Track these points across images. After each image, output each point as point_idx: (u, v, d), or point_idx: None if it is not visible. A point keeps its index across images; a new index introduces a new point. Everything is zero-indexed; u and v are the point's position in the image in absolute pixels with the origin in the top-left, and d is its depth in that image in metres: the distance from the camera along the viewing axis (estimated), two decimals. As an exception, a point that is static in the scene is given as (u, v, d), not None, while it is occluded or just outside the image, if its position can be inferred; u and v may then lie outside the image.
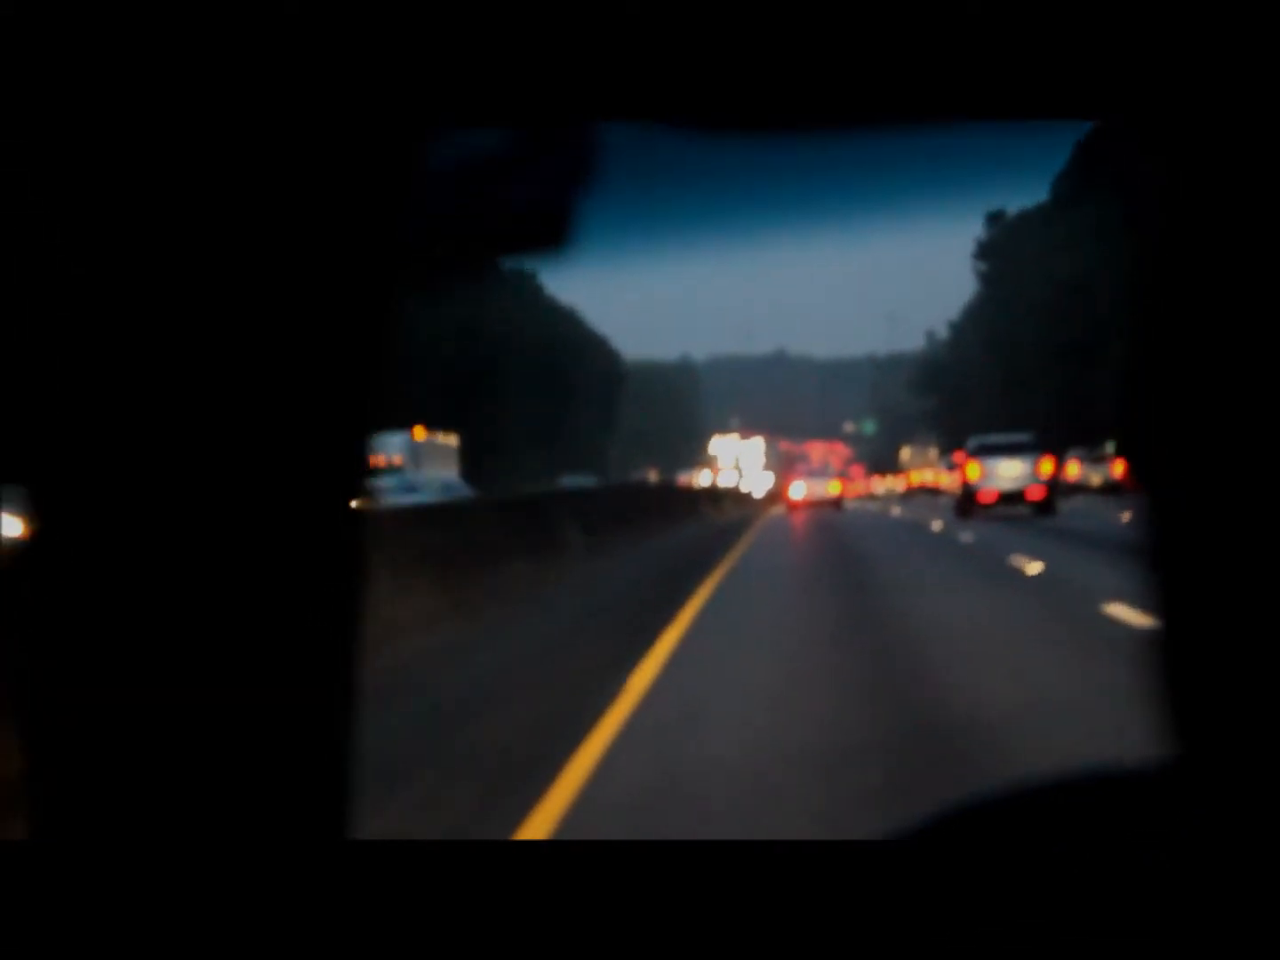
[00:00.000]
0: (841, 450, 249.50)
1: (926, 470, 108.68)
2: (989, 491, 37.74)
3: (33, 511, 0.77)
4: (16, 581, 0.78)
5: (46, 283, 0.75)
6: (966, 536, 27.05)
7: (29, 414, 0.75)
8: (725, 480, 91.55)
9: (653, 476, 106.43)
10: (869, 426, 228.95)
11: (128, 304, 0.75)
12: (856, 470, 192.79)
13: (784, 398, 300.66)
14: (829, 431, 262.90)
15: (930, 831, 0.81)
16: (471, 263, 0.90)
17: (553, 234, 0.86)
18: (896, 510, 58.74)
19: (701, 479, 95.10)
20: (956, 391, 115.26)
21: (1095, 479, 58.42)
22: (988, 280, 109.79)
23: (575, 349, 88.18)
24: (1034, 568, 18.07)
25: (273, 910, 0.73)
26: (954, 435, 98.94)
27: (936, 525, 34.04)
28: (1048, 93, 0.74)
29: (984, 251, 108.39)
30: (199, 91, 0.73)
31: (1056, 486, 38.12)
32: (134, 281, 0.75)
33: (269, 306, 0.77)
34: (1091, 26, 0.70)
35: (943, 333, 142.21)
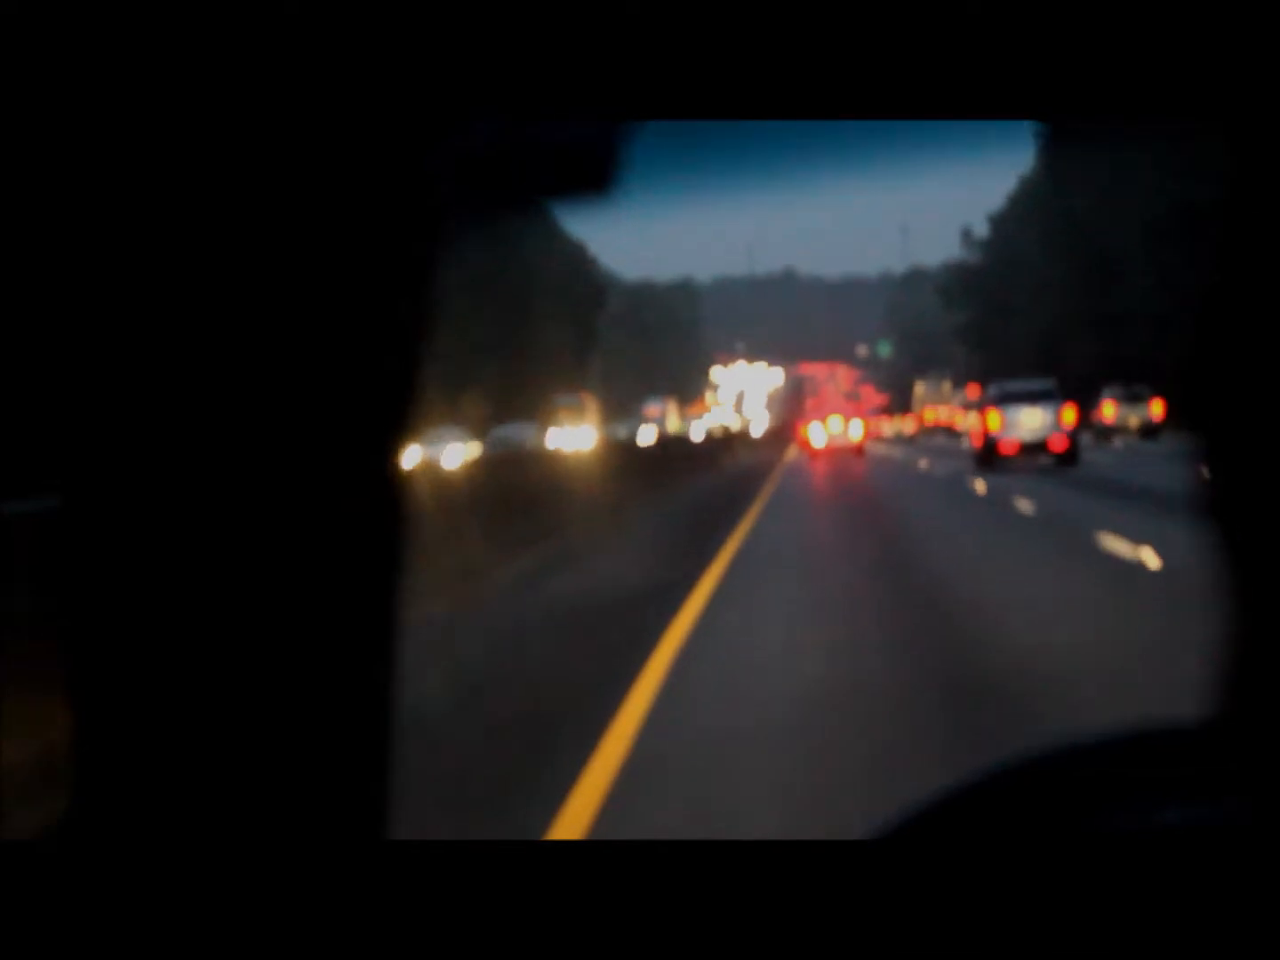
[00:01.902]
0: (846, 373, 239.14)
1: (941, 408, 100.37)
2: (1010, 442, 37.48)
3: (72, 491, 0.77)
4: (61, 559, 0.77)
5: (96, 275, 0.75)
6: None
7: (70, 392, 0.75)
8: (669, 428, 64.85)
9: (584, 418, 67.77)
10: (884, 348, 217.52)
11: (165, 264, 0.75)
12: (868, 391, 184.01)
13: (793, 321, 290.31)
14: (841, 356, 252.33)
15: (939, 826, 0.76)
16: (515, 204, 0.88)
17: (597, 176, 0.83)
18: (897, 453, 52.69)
19: (645, 432, 58.92)
20: (999, 297, 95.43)
21: (1133, 420, 52.59)
22: (1053, 146, 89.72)
23: (541, 256, 76.34)
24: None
25: (302, 909, 0.73)
26: (996, 353, 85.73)
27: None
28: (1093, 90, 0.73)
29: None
30: (227, 68, 0.73)
31: (1080, 436, 37.97)
32: (173, 240, 0.75)
33: (307, 269, 0.76)
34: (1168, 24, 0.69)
35: (981, 230, 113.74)
